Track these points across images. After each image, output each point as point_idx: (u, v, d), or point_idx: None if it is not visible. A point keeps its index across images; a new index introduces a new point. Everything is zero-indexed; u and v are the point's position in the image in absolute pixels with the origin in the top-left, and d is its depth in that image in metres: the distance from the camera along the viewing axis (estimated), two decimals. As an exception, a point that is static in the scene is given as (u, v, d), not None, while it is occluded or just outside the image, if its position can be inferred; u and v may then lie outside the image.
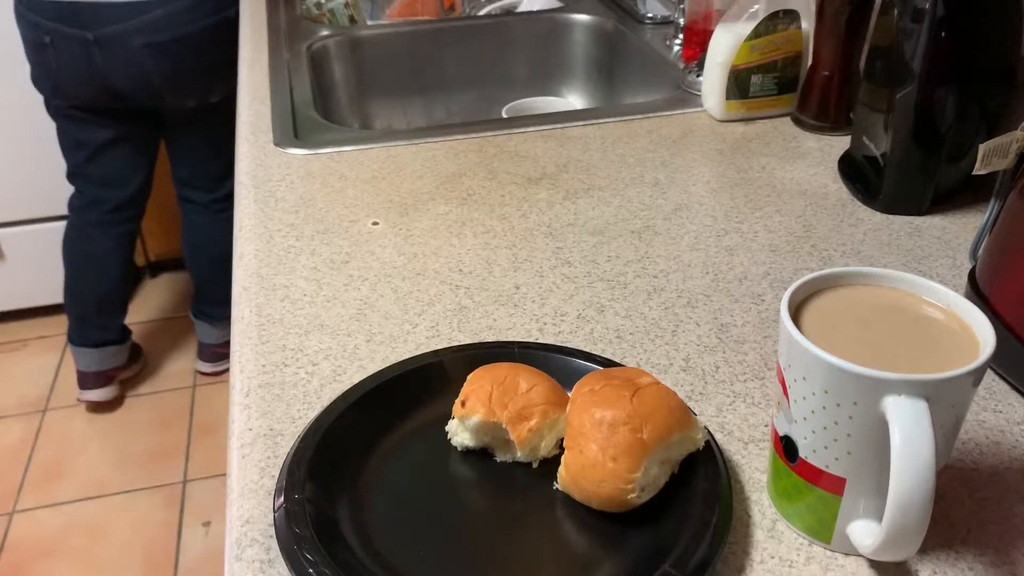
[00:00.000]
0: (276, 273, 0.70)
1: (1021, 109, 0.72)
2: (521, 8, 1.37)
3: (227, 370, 1.82)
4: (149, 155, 1.88)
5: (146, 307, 2.37)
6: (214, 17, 1.65)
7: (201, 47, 1.67)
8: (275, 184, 0.84)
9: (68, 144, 1.83)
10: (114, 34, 1.59)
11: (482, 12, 1.38)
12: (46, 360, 2.19)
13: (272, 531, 0.47)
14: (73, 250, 1.89)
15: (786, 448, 0.45)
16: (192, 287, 2.04)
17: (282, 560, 0.44)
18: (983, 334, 0.41)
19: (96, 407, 2.03)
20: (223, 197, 1.90)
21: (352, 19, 1.32)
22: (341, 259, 0.72)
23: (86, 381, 1.96)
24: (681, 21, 1.10)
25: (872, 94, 0.77)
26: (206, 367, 2.11)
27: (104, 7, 1.57)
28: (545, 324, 0.63)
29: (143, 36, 1.60)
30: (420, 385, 0.54)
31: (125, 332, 2.00)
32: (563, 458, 0.47)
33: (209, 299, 2.02)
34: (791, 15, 0.91)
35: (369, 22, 1.39)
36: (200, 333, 2.08)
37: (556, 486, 0.48)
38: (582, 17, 1.29)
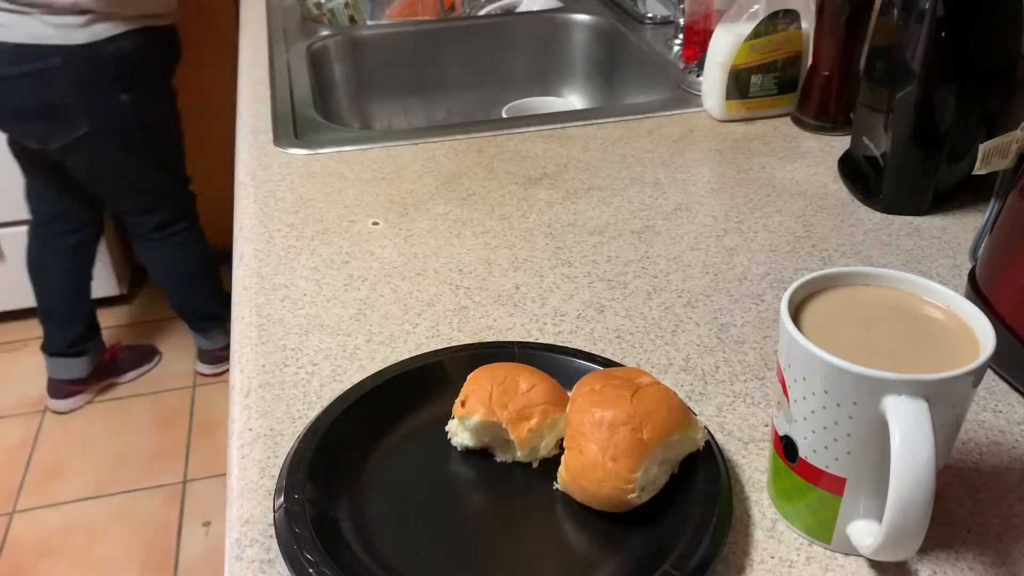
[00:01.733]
0: (276, 273, 0.70)
1: (1021, 109, 0.72)
2: (521, 8, 1.37)
3: (227, 371, 1.83)
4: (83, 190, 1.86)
5: (146, 307, 2.37)
6: (29, 65, 1.58)
7: (22, 92, 1.62)
8: (275, 184, 0.84)
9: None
10: None
11: (482, 12, 1.38)
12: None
13: (272, 531, 0.47)
14: (32, 261, 1.95)
15: (786, 448, 0.45)
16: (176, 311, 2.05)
17: (282, 560, 0.44)
18: (983, 334, 0.41)
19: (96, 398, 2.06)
20: (159, 225, 1.87)
21: (352, 19, 1.32)
22: (341, 259, 0.72)
23: (49, 388, 2.03)
24: (681, 21, 1.10)
25: (872, 94, 0.77)
26: (206, 369, 2.11)
27: None
28: (545, 324, 0.63)
29: None
30: (420, 385, 0.54)
31: (79, 347, 1.98)
32: (563, 458, 0.47)
33: (195, 316, 2.02)
34: (791, 15, 0.91)
35: (369, 22, 1.39)
36: (197, 341, 2.09)
37: (556, 486, 0.48)
38: (582, 17, 1.29)
